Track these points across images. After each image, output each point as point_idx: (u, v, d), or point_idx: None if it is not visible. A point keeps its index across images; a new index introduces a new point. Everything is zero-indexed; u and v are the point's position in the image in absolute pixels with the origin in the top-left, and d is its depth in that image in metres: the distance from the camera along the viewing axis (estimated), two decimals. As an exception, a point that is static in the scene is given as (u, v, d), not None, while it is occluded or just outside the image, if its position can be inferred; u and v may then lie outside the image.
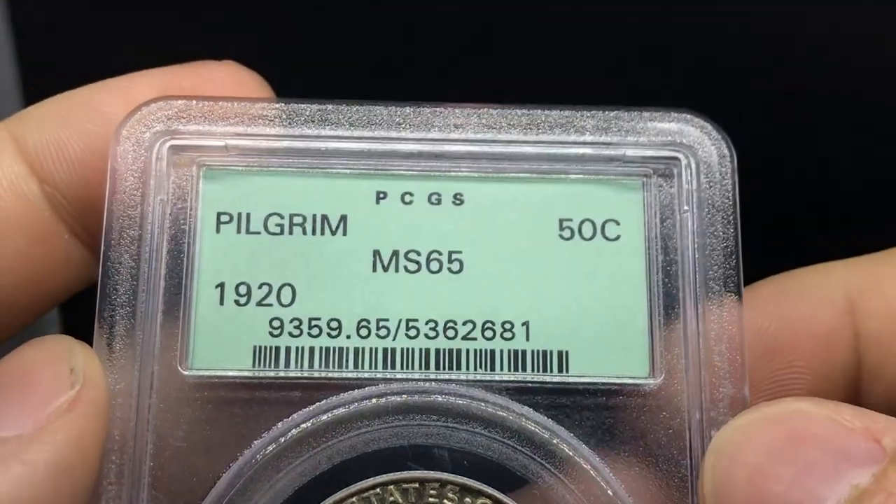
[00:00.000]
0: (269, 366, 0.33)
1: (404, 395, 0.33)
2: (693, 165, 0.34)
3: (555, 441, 0.32)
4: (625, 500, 0.32)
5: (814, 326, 0.36)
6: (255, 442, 0.32)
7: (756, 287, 0.36)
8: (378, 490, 0.32)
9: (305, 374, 0.33)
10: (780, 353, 0.35)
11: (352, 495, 0.32)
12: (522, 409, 0.33)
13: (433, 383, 0.33)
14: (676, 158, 0.34)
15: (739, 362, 0.32)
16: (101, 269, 0.32)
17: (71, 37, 0.48)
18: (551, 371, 0.33)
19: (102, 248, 0.33)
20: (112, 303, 0.32)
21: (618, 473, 0.32)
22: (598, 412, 0.33)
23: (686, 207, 0.34)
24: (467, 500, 0.32)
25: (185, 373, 0.32)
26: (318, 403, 0.32)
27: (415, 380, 0.33)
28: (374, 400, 0.33)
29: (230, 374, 0.33)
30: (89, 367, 0.29)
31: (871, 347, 0.35)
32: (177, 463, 0.32)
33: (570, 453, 0.32)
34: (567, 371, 0.33)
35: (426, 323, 0.33)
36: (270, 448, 0.32)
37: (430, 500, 0.32)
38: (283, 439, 0.32)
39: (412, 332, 0.33)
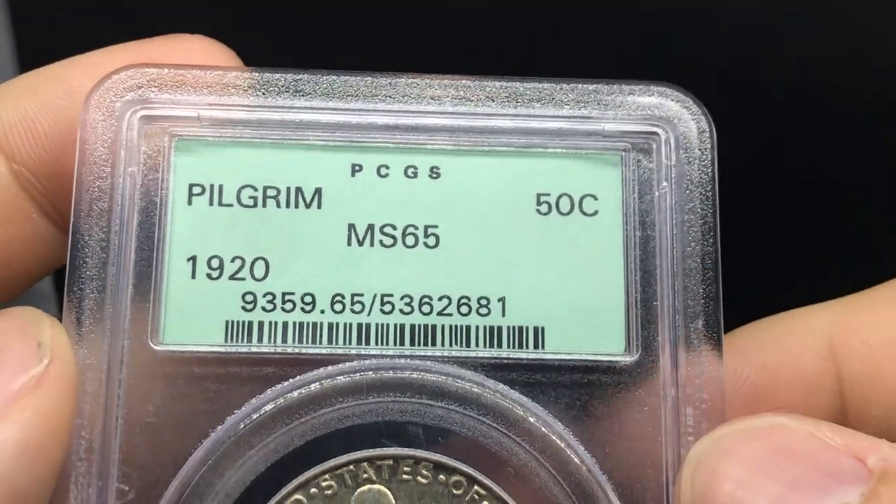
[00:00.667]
0: (242, 340, 0.32)
1: (379, 372, 0.32)
2: (672, 140, 0.34)
3: (530, 419, 0.32)
4: (599, 478, 0.32)
5: (796, 373, 0.35)
6: (228, 418, 0.32)
7: (735, 335, 0.36)
8: (351, 467, 0.32)
9: (279, 350, 0.32)
10: (762, 402, 0.35)
11: (325, 472, 0.32)
12: (497, 385, 0.32)
13: (408, 359, 0.32)
14: (655, 133, 0.34)
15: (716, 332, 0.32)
16: (70, 241, 0.32)
17: (71, 36, 0.47)
18: (527, 347, 0.33)
19: (72, 220, 0.32)
20: (81, 276, 0.32)
21: (593, 451, 0.32)
22: (574, 389, 0.33)
23: (664, 183, 0.33)
24: (441, 477, 0.32)
25: (157, 348, 0.32)
26: (291, 380, 0.32)
27: (389, 356, 0.33)
28: (347, 376, 0.32)
29: (202, 349, 0.32)
30: (57, 341, 0.29)
31: (856, 391, 0.35)
32: (148, 439, 0.32)
33: (545, 431, 0.32)
34: (543, 347, 0.33)
35: (401, 298, 0.33)
36: (243, 425, 0.32)
37: (404, 476, 0.32)
38: (255, 415, 0.32)
39: (387, 308, 0.33)
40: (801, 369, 0.35)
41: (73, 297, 0.31)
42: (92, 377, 0.31)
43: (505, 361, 0.33)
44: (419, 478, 0.32)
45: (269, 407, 0.32)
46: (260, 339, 0.32)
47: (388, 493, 0.31)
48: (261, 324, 0.32)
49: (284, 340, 0.32)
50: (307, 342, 0.32)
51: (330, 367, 0.32)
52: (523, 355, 0.33)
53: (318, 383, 0.32)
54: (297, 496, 0.31)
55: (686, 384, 0.32)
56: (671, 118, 0.34)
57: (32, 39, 0.49)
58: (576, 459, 0.32)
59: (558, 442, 0.32)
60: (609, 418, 0.33)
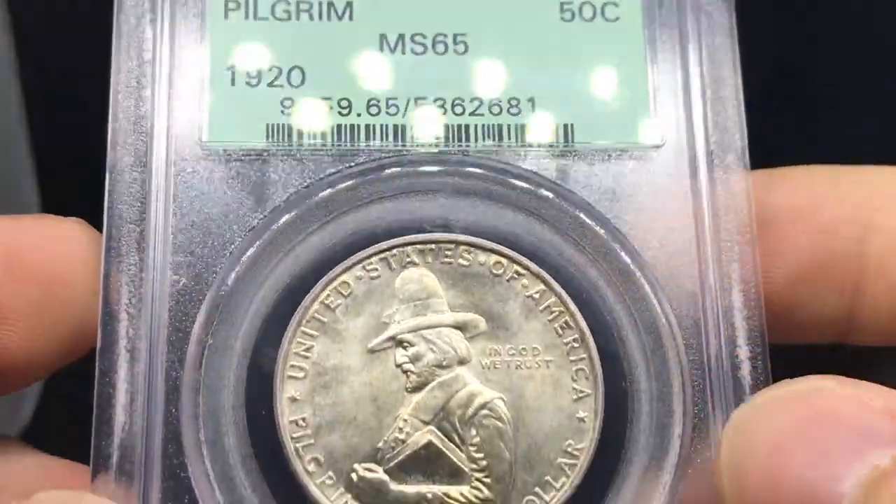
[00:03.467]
0: (283, 140, 0.33)
1: (418, 166, 0.33)
2: None
3: (564, 204, 0.33)
4: (633, 254, 0.33)
5: (819, 214, 0.36)
6: (272, 211, 0.33)
7: (784, 171, 0.36)
8: (395, 252, 0.32)
9: (318, 147, 0.33)
10: (774, 231, 0.35)
11: (371, 255, 0.32)
12: (531, 174, 0.33)
13: (444, 155, 0.33)
14: None
15: (737, 119, 0.34)
16: (114, 58, 0.33)
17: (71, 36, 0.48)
18: (557, 142, 0.34)
19: (114, 36, 0.33)
20: (128, 85, 0.33)
21: (623, 228, 0.33)
22: (605, 177, 0.34)
23: None
24: (481, 258, 0.33)
25: (202, 147, 0.33)
26: (334, 173, 0.33)
27: (426, 152, 0.33)
28: (387, 170, 0.33)
29: (245, 147, 0.33)
30: None
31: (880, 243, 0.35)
32: (197, 231, 0.32)
33: (579, 213, 0.33)
34: (573, 141, 0.34)
35: (434, 101, 0.34)
36: (286, 217, 0.33)
37: (446, 259, 0.32)
38: (301, 207, 0.33)
39: (421, 110, 0.34)
40: (826, 211, 0.36)
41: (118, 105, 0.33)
42: (142, 176, 0.32)
43: (536, 152, 0.34)
44: (460, 259, 0.32)
45: (314, 199, 0.33)
46: (300, 138, 0.33)
47: (431, 273, 0.32)
48: (300, 130, 0.33)
49: (324, 139, 0.33)
50: (345, 141, 0.33)
51: (371, 162, 0.33)
52: (555, 148, 0.34)
53: (361, 176, 0.33)
54: (344, 278, 0.32)
55: (717, 163, 0.33)
56: None
57: (32, 39, 0.49)
58: (609, 240, 0.33)
59: (592, 224, 0.33)
60: (639, 200, 0.33)
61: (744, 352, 0.32)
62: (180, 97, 0.33)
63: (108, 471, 0.30)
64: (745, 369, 0.32)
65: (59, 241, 0.32)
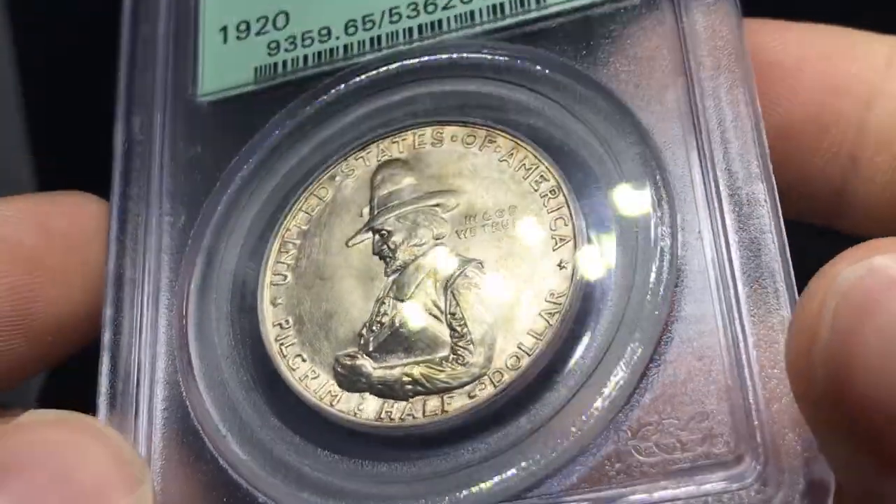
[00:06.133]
0: (269, 76, 0.34)
1: (389, 65, 0.33)
2: None
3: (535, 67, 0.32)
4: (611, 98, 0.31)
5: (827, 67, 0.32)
6: (259, 134, 0.34)
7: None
8: (370, 148, 0.32)
9: (300, 74, 0.34)
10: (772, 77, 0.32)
11: (347, 156, 0.33)
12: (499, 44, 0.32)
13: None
14: None
15: None
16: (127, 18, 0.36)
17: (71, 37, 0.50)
18: (530, 6, 0.33)
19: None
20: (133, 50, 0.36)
21: (603, 80, 0.31)
22: (578, 29, 0.32)
23: None
24: (451, 132, 0.32)
25: (196, 99, 0.35)
26: (318, 90, 0.34)
27: (396, 51, 0.33)
28: (361, 76, 0.33)
29: (234, 91, 0.35)
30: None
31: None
32: (190, 173, 0.34)
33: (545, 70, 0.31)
34: (545, 3, 0.32)
35: (408, 6, 0.34)
36: (277, 133, 0.33)
37: (419, 143, 0.32)
38: (288, 124, 0.33)
39: (395, 18, 0.34)
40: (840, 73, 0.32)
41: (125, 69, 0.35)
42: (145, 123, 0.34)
43: (509, 24, 0.33)
44: (432, 140, 0.32)
45: (298, 117, 0.33)
46: (285, 70, 0.34)
47: (406, 160, 0.32)
48: (284, 61, 0.35)
49: (306, 64, 0.34)
50: (326, 60, 0.34)
51: (347, 71, 0.34)
52: (527, 16, 0.33)
53: (342, 85, 0.33)
54: (323, 182, 0.32)
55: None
56: None
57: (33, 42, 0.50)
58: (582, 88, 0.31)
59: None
60: (616, 49, 0.31)
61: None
62: (178, 58, 0.35)
63: (115, 400, 0.31)
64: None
65: (79, 210, 0.35)
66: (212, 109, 0.35)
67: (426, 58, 0.33)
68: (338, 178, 0.32)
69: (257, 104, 0.34)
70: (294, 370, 0.30)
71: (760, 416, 0.26)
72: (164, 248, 0.33)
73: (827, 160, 0.32)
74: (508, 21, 0.33)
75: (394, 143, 0.32)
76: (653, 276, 0.28)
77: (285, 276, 0.31)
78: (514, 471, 0.27)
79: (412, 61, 0.33)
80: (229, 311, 0.31)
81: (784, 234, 0.27)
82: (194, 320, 0.31)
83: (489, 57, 0.32)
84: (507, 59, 0.32)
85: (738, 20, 0.30)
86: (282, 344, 0.30)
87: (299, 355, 0.30)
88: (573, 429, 0.27)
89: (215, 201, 0.33)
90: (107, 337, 0.32)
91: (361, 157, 0.32)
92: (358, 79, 0.33)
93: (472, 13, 0.33)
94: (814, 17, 0.32)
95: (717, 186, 0.28)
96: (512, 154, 0.31)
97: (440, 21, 0.33)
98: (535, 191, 0.30)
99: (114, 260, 0.33)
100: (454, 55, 0.33)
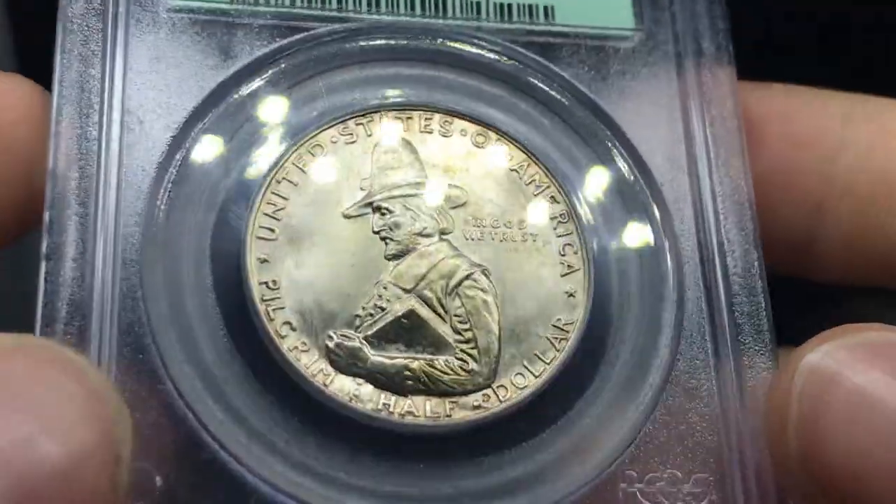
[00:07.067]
0: (248, 2, 0.31)
1: (389, 38, 0.32)
2: None
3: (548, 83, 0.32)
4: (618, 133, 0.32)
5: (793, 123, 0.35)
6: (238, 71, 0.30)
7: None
8: (372, 117, 0.30)
9: (285, 10, 0.31)
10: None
11: (347, 118, 0.30)
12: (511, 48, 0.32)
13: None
14: None
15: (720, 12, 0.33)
16: None
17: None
18: (538, 19, 0.32)
19: None
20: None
21: (608, 108, 0.32)
22: (587, 54, 0.32)
23: None
24: (461, 127, 0.31)
25: (164, 8, 0.30)
26: (305, 38, 0.31)
27: (401, 22, 0.32)
28: (360, 42, 0.31)
29: (207, 5, 0.31)
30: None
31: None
32: (154, 90, 0.30)
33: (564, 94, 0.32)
34: (553, 19, 0.33)
35: (412, -26, 0.32)
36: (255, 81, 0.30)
37: (425, 127, 0.31)
38: (270, 70, 0.30)
39: (400, -21, 0.32)
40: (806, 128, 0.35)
41: None
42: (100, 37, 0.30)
43: (516, 29, 0.32)
44: (440, 128, 0.31)
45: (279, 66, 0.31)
46: (267, 2, 0.31)
47: (410, 139, 0.30)
48: (267, -10, 0.31)
49: (293, 4, 0.31)
50: (316, 5, 0.31)
51: (338, 25, 0.31)
52: (535, 27, 0.32)
53: (327, 45, 0.31)
54: (318, 140, 0.30)
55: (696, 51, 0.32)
56: None
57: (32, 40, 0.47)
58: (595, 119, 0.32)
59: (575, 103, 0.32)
60: (622, 87, 0.32)
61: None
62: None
63: (54, 325, 0.27)
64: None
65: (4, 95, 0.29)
66: (183, 23, 0.31)
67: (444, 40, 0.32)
68: (336, 138, 0.30)
69: (235, 30, 0.31)
70: (283, 337, 0.28)
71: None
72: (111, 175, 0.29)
73: (794, 210, 0.34)
74: (516, 25, 0.33)
75: (398, 119, 0.31)
76: (665, 315, 0.29)
77: (274, 232, 0.29)
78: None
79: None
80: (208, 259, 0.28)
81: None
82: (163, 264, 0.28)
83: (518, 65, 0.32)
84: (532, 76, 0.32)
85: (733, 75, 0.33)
86: (269, 305, 0.28)
87: (287, 322, 0.28)
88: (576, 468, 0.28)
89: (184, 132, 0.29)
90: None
91: (362, 123, 0.30)
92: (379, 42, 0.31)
93: (478, 4, 0.33)
94: (776, 77, 0.35)
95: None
96: (523, 167, 0.31)
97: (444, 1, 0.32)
98: (546, 212, 0.30)
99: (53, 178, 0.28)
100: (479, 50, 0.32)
